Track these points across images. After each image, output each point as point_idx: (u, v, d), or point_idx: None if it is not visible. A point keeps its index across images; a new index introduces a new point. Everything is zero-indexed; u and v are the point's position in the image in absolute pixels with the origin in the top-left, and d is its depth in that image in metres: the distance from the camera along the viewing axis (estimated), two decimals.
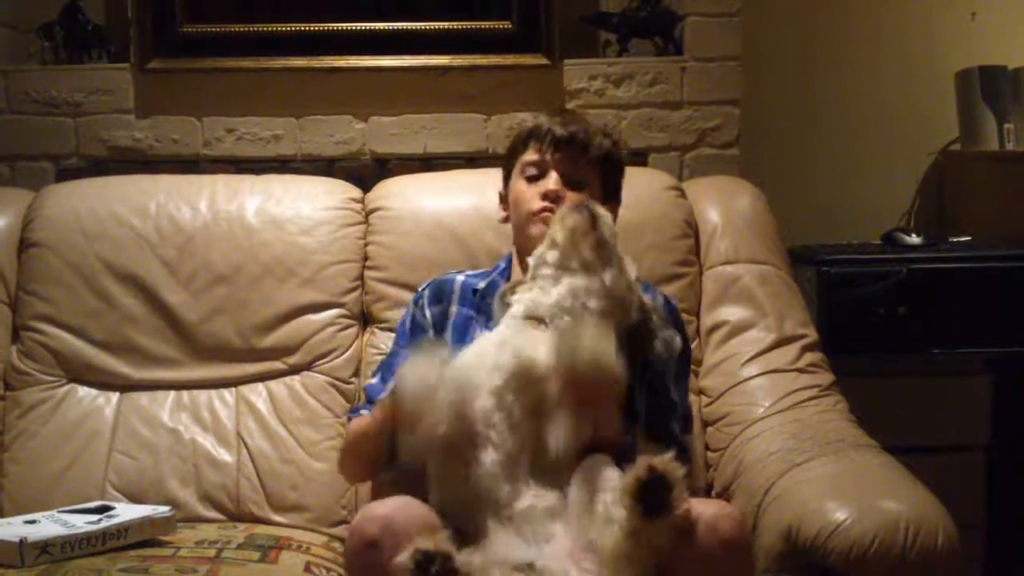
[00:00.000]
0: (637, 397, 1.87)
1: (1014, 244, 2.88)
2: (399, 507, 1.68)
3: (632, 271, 1.82)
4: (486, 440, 1.70)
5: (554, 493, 1.67)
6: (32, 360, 2.38)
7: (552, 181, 2.01)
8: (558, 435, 1.68)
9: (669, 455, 1.55)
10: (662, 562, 1.57)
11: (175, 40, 2.76)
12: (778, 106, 3.16)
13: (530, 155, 2.06)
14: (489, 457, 1.69)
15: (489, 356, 1.75)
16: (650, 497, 1.52)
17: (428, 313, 2.08)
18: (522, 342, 1.75)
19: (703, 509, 1.68)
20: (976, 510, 2.77)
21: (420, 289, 2.16)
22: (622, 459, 1.69)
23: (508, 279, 2.09)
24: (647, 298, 1.87)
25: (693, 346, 2.42)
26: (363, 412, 2.03)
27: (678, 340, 1.91)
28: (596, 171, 2.05)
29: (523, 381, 1.71)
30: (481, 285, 2.09)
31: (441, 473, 1.73)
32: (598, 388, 1.66)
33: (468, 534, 1.67)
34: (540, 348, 1.72)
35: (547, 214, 1.96)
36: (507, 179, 2.13)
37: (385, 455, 1.84)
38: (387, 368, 2.06)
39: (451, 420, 1.68)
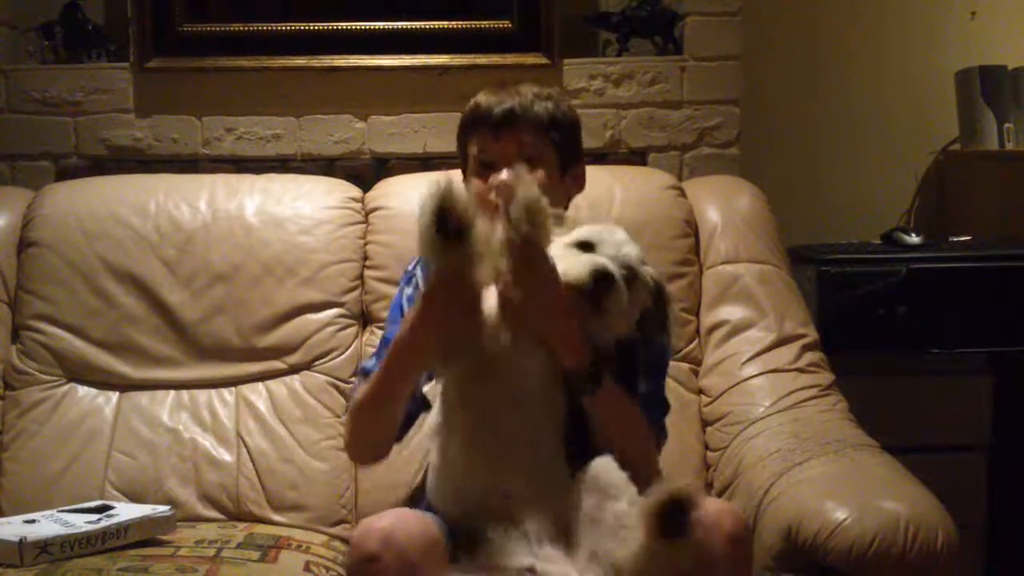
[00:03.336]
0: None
1: (1014, 243, 2.88)
2: (399, 520, 1.65)
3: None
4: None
5: (554, 490, 1.67)
6: (32, 359, 2.38)
7: (503, 174, 1.90)
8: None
9: (688, 481, 1.55)
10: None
11: (174, 39, 2.76)
12: (778, 105, 3.16)
13: (474, 147, 1.96)
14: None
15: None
16: (670, 520, 1.52)
17: (422, 283, 1.97)
18: None
19: (706, 506, 1.68)
20: (976, 510, 2.77)
21: (409, 266, 2.06)
22: (585, 387, 1.70)
23: None
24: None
25: (692, 345, 2.44)
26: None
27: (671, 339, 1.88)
28: (546, 140, 1.94)
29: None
30: None
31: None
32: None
33: (470, 540, 1.66)
34: None
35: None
36: (464, 171, 2.02)
37: (398, 426, 1.85)
38: (383, 349, 1.96)
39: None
